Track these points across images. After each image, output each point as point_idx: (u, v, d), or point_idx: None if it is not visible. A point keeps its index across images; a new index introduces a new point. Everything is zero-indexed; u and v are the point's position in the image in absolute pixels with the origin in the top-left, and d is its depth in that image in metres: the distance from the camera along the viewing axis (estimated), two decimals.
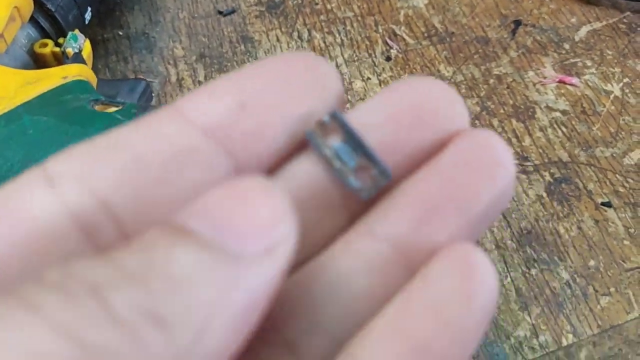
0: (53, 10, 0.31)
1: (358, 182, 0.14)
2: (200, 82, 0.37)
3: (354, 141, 0.14)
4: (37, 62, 0.30)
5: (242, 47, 0.39)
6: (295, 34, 0.40)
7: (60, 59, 0.30)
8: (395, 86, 0.14)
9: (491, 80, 0.37)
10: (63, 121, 0.22)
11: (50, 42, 0.30)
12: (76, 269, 0.11)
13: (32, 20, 0.30)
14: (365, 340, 0.14)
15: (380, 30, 0.40)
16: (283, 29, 0.40)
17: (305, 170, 0.14)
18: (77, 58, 0.30)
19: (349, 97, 0.36)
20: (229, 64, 0.38)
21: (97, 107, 0.23)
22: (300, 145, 0.14)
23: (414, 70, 0.38)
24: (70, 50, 0.30)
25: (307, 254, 0.15)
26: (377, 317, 0.14)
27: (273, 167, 0.14)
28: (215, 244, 0.11)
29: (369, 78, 0.37)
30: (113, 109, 0.24)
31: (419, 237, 0.14)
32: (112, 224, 0.13)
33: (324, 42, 0.39)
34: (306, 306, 0.14)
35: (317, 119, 0.14)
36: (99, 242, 0.13)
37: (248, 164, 0.14)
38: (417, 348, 0.13)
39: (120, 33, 0.39)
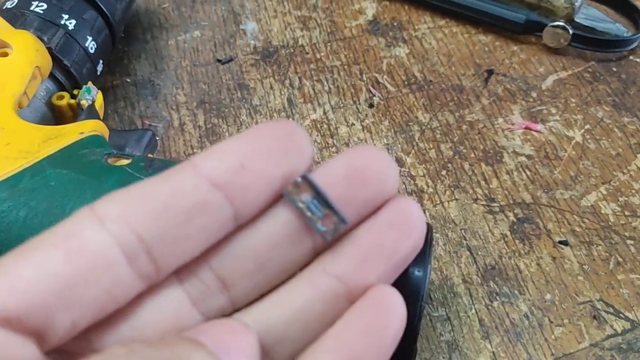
0: (69, 65, 0.35)
1: (324, 227, 0.19)
2: (200, 127, 0.41)
3: (320, 196, 0.19)
4: (54, 112, 0.34)
5: (239, 93, 0.43)
6: (287, 82, 0.43)
7: (75, 110, 0.34)
8: (347, 153, 0.20)
9: (464, 126, 0.41)
10: (81, 174, 0.26)
11: (66, 95, 0.34)
12: (134, 350, 0.16)
13: (50, 75, 0.34)
14: (315, 352, 0.19)
15: (365, 79, 0.44)
16: (276, 77, 0.44)
17: (284, 216, 0.19)
18: (91, 110, 0.33)
19: (335, 141, 0.40)
20: (226, 110, 0.42)
21: (110, 161, 0.27)
22: (280, 197, 0.19)
23: (394, 116, 0.41)
24: (84, 102, 0.34)
25: (282, 278, 0.20)
26: (324, 335, 0.19)
27: (259, 213, 0.19)
28: (216, 355, 0.17)
29: (353, 124, 0.41)
30: (124, 161, 0.27)
31: (357, 276, 0.20)
32: (145, 254, 0.18)
33: (313, 90, 0.43)
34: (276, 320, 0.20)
35: (292, 181, 0.19)
36: (136, 267, 0.18)
37: (243, 210, 0.19)
38: (352, 358, 0.18)
39: (128, 80, 0.43)
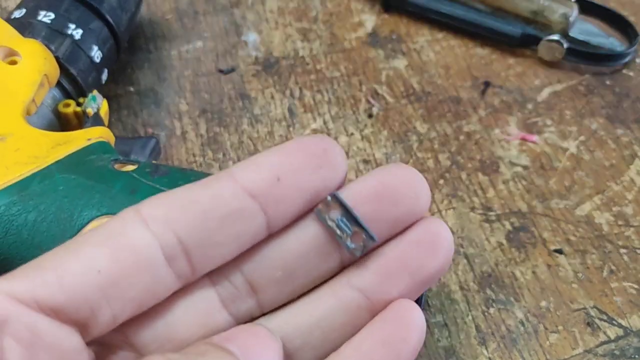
0: (75, 74, 0.35)
1: (353, 244, 0.20)
2: (201, 136, 0.41)
3: (349, 214, 0.20)
4: (60, 120, 0.35)
5: (240, 103, 0.43)
6: (287, 92, 0.44)
7: (81, 118, 0.35)
8: (380, 170, 0.20)
9: (461, 137, 0.42)
10: (89, 179, 0.27)
11: (72, 103, 0.35)
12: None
13: (57, 83, 0.35)
14: None
15: (364, 90, 0.45)
16: (277, 87, 0.45)
17: (314, 228, 0.21)
18: (96, 117, 0.34)
19: None
20: (227, 119, 0.42)
21: (116, 166, 0.28)
22: (311, 209, 0.20)
23: (393, 126, 0.42)
24: (90, 110, 0.35)
25: (309, 287, 0.21)
26: (345, 345, 0.20)
27: (290, 223, 0.21)
28: None
29: (352, 134, 0.42)
30: (130, 167, 0.28)
31: (380, 290, 0.21)
32: (184, 256, 0.19)
33: (313, 100, 0.44)
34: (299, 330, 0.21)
35: (323, 199, 0.20)
36: (174, 267, 0.19)
37: (275, 220, 0.20)
38: None
39: (132, 89, 0.44)
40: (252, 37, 0.48)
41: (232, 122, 0.42)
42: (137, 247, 0.18)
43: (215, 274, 0.20)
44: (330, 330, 0.21)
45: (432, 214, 0.38)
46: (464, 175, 0.40)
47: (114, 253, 0.18)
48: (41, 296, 0.17)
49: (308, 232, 0.21)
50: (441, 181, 0.39)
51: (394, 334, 0.20)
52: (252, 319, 0.21)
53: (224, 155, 0.40)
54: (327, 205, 0.20)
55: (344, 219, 0.20)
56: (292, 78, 0.45)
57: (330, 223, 0.20)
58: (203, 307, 0.20)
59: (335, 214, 0.20)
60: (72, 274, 0.17)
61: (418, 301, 0.25)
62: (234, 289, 0.20)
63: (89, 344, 0.18)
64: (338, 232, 0.20)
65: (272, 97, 0.44)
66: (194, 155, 0.40)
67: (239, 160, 0.40)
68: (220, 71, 0.45)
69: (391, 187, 0.20)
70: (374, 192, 0.20)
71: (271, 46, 0.47)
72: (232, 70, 0.46)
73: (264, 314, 0.21)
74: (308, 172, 0.20)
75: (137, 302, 0.18)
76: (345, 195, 0.20)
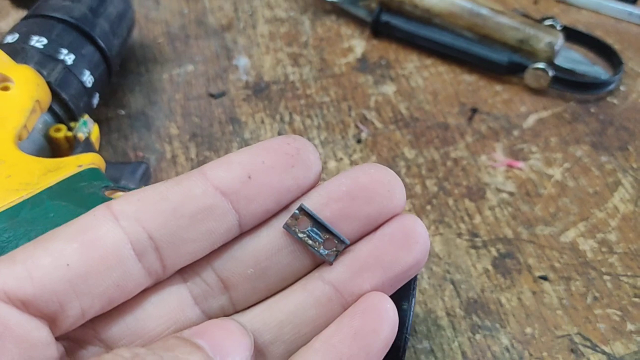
0: (67, 99, 0.36)
1: (326, 251, 0.21)
2: (192, 160, 0.42)
3: (318, 224, 0.20)
4: (51, 144, 0.35)
5: (231, 127, 0.44)
6: (278, 117, 0.45)
7: (72, 142, 0.35)
8: (352, 170, 0.21)
9: (448, 163, 0.42)
10: (79, 206, 0.27)
11: (63, 127, 0.35)
12: (138, 354, 0.17)
13: (49, 108, 0.35)
14: (305, 353, 0.20)
15: (353, 115, 0.45)
16: (267, 112, 0.45)
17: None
18: (87, 142, 0.34)
19: (324, 175, 0.41)
20: (217, 143, 0.43)
21: (107, 193, 0.28)
22: (283, 207, 0.21)
23: (381, 152, 0.43)
24: (81, 135, 0.35)
25: (282, 284, 0.21)
26: (315, 338, 0.21)
27: (262, 221, 0.21)
28: (212, 356, 0.18)
29: (341, 158, 0.42)
30: (120, 194, 0.28)
31: (352, 284, 0.21)
32: (154, 252, 0.19)
33: (303, 125, 0.44)
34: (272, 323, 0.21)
35: (292, 214, 0.20)
36: (145, 264, 0.19)
37: (247, 218, 0.20)
38: None
39: (122, 112, 0.44)
40: (243, 61, 0.49)
41: (222, 146, 0.43)
42: (107, 243, 0.18)
43: (186, 271, 0.20)
44: (301, 324, 0.21)
45: None
46: (450, 202, 0.40)
47: (83, 247, 0.18)
48: (10, 288, 0.17)
49: (279, 230, 0.21)
50: (428, 207, 0.40)
51: (364, 326, 0.20)
52: (224, 315, 0.21)
53: None
54: (295, 219, 0.20)
55: (314, 229, 0.20)
56: (282, 102, 0.46)
57: (300, 235, 0.20)
58: (174, 303, 0.20)
59: (305, 225, 0.20)
60: (42, 267, 0.17)
61: (403, 326, 0.25)
62: (205, 286, 0.20)
63: (58, 338, 0.18)
64: (310, 242, 0.20)
65: (262, 122, 0.44)
66: None
67: None
68: (211, 95, 0.46)
69: (364, 185, 0.20)
70: (347, 191, 0.20)
71: (262, 70, 0.48)
72: (223, 94, 0.46)
73: (237, 311, 0.21)
74: (280, 170, 0.20)
75: (106, 297, 0.18)
76: (319, 193, 0.21)
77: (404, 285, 0.26)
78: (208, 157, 0.42)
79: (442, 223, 0.39)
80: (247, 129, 0.44)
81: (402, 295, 0.26)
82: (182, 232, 0.19)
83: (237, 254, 0.21)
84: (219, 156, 0.42)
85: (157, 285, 0.20)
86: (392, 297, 0.23)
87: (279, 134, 0.44)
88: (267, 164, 0.20)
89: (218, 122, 0.44)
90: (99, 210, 0.19)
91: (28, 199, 0.27)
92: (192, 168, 0.41)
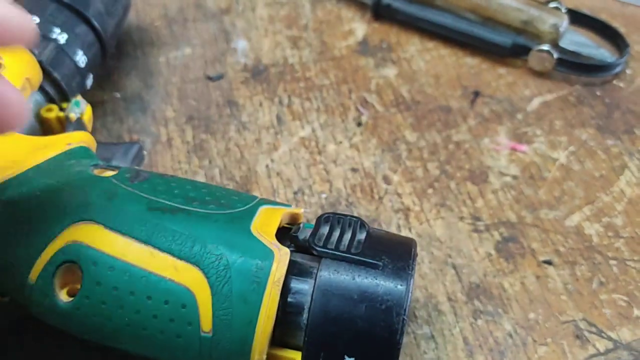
0: (59, 78, 0.35)
1: None
2: (188, 142, 0.41)
3: None
4: (43, 125, 0.34)
5: (228, 110, 0.43)
6: (276, 99, 0.44)
7: (63, 123, 0.34)
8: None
9: (450, 146, 0.41)
10: (67, 184, 0.26)
11: (55, 107, 0.34)
12: None
13: (40, 87, 0.34)
14: None
15: (353, 98, 0.44)
16: (266, 95, 0.44)
17: None
18: (79, 123, 0.33)
19: (322, 158, 0.40)
20: (214, 126, 0.42)
21: (96, 172, 0.27)
22: None
23: (382, 135, 0.42)
24: (73, 115, 0.34)
25: None
26: None
27: None
28: None
29: (341, 142, 0.41)
30: (109, 173, 0.27)
31: None
32: None
33: (302, 108, 0.43)
34: None
35: None
36: None
37: None
38: None
39: (118, 95, 0.43)
40: (241, 44, 0.48)
41: (219, 129, 0.42)
42: None
43: None
44: None
45: (421, 224, 0.37)
46: (452, 185, 0.39)
47: None
48: None
49: None
50: (430, 190, 0.39)
51: None
52: None
53: (210, 162, 0.40)
54: None
55: None
56: (281, 85, 0.45)
57: None
58: None
59: None
60: None
61: (400, 308, 0.24)
62: None
63: None
64: None
65: (261, 105, 0.44)
66: (179, 162, 0.40)
67: (225, 167, 0.40)
68: (209, 78, 0.45)
69: None
70: None
71: (260, 53, 0.47)
72: (221, 77, 0.45)
73: None
74: None
75: None
76: None
77: (399, 267, 0.25)
78: (204, 139, 0.41)
79: (443, 207, 0.38)
80: (244, 112, 0.43)
81: (400, 277, 0.25)
82: None
83: None
84: (215, 139, 0.41)
85: None
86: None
87: (278, 117, 0.43)
88: None
89: (215, 104, 0.43)
90: None
91: (14, 177, 0.26)
92: (188, 151, 0.40)
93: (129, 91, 0.44)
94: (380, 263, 0.25)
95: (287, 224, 0.28)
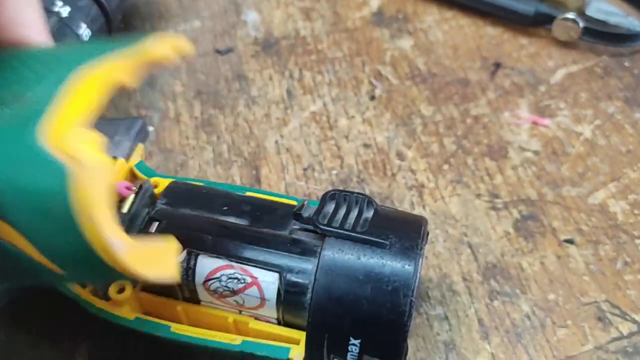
0: None
1: None
2: (196, 118, 0.40)
3: None
4: None
5: (237, 84, 0.42)
6: (287, 73, 0.42)
7: None
8: None
9: (468, 120, 0.39)
10: None
11: None
12: None
13: None
14: None
15: (367, 71, 0.42)
16: (276, 68, 0.43)
17: None
18: None
19: (334, 134, 0.39)
20: (223, 101, 0.41)
21: None
22: None
23: (396, 109, 0.40)
24: None
25: None
26: None
27: None
28: None
29: (353, 116, 0.40)
30: None
31: None
32: None
33: (313, 81, 0.42)
34: None
35: None
36: None
37: None
38: None
39: None
40: (252, 16, 0.46)
41: (228, 103, 0.41)
42: None
43: None
44: None
45: (435, 201, 0.36)
46: (470, 161, 0.37)
47: None
48: None
49: None
50: (445, 166, 0.37)
51: None
52: None
53: (218, 138, 0.39)
54: None
55: None
56: (292, 59, 0.43)
57: None
58: None
59: None
60: None
61: (408, 289, 0.23)
62: None
63: None
64: None
65: (271, 79, 0.42)
66: (187, 138, 0.39)
67: (233, 143, 0.38)
68: (218, 51, 0.44)
69: None
70: None
71: (271, 26, 0.45)
72: (230, 50, 0.44)
73: None
74: None
75: None
76: None
77: (407, 246, 0.24)
78: (212, 114, 0.40)
79: (460, 183, 0.36)
80: (254, 86, 0.42)
81: (408, 256, 0.24)
82: None
83: None
84: (224, 114, 0.40)
85: None
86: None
87: (288, 91, 0.41)
88: None
89: (224, 79, 0.42)
90: None
91: None
92: (196, 126, 0.39)
93: None
94: (387, 242, 0.24)
95: None
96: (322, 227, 0.24)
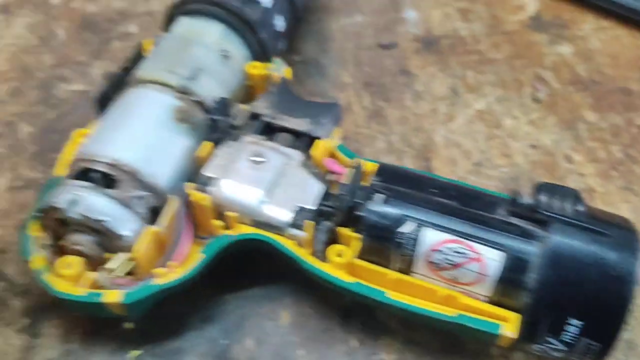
0: (265, 39, 0.36)
1: None
2: (365, 108, 0.42)
3: None
4: (248, 80, 0.36)
5: (402, 79, 0.43)
6: (449, 71, 0.44)
7: (265, 81, 0.36)
8: None
9: (633, 130, 0.40)
10: None
11: (259, 65, 0.36)
12: None
13: (248, 45, 0.36)
14: None
15: (527, 74, 0.44)
16: (438, 66, 0.44)
17: None
18: (284, 82, 0.35)
19: (500, 132, 0.40)
20: (390, 94, 0.43)
21: None
22: None
23: (561, 114, 0.41)
24: (276, 75, 0.35)
25: None
26: None
27: None
28: None
29: (517, 117, 0.41)
30: None
31: None
32: None
33: (476, 81, 0.43)
34: None
35: None
36: None
37: None
38: None
39: (297, 59, 0.44)
40: (411, 14, 0.48)
41: (395, 96, 0.42)
42: None
43: None
44: None
45: (607, 206, 0.36)
46: (637, 170, 0.38)
47: None
48: None
49: None
50: (614, 173, 0.38)
51: None
52: None
53: (388, 128, 0.41)
54: None
55: None
56: (453, 58, 0.45)
57: None
58: None
59: None
60: None
61: (632, 278, 0.24)
62: None
63: None
64: None
65: (434, 76, 0.44)
66: (358, 127, 0.41)
67: (403, 135, 0.40)
68: (382, 46, 0.46)
69: None
70: None
71: (431, 24, 0.47)
72: (394, 45, 0.46)
73: None
74: None
75: None
76: None
77: (628, 239, 0.25)
78: (382, 107, 0.42)
79: (629, 190, 0.37)
80: (418, 82, 0.43)
81: (629, 248, 0.25)
82: None
83: None
84: (392, 107, 0.42)
85: None
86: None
87: (452, 88, 0.43)
88: None
89: (389, 73, 0.44)
90: None
91: None
92: (367, 116, 0.41)
93: (307, 55, 0.45)
94: (609, 232, 0.25)
95: None
96: (548, 213, 0.26)
